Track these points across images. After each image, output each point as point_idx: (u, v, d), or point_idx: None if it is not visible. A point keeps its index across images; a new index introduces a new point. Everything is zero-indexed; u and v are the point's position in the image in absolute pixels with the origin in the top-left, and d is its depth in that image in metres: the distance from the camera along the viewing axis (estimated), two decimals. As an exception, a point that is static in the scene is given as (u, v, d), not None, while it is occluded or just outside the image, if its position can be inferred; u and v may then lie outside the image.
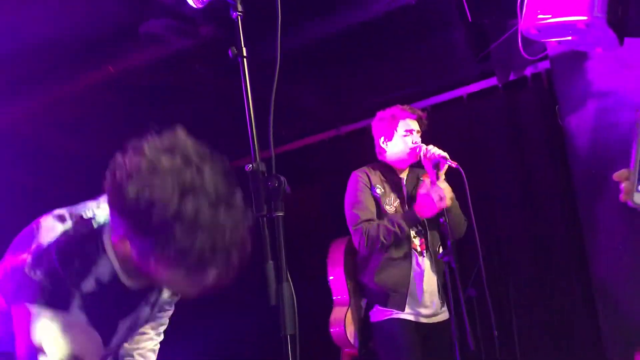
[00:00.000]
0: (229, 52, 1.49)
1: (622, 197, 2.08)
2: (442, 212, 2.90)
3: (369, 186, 3.07)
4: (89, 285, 1.40)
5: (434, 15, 3.75)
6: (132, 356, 1.75)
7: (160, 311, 1.72)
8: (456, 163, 2.89)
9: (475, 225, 2.79)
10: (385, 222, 2.94)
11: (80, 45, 3.48)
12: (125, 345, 1.72)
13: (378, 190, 3.06)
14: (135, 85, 3.85)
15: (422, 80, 4.29)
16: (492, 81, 4.10)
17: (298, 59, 3.79)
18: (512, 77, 4.02)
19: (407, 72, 4.27)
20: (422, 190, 2.93)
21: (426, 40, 4.02)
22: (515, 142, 4.02)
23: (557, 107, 3.52)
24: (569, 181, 3.57)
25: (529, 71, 3.96)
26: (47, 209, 1.48)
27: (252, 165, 1.42)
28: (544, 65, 3.84)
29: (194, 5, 1.58)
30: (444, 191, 2.88)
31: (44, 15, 3.24)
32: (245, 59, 1.48)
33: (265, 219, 1.39)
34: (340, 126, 4.75)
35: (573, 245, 3.64)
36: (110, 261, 1.43)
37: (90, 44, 3.46)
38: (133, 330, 1.66)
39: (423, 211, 2.92)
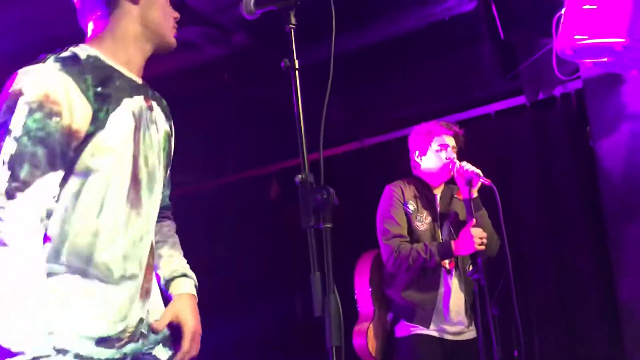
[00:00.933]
0: (282, 64, 1.50)
1: None
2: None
3: (402, 201, 3.07)
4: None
5: (463, 31, 3.76)
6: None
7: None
8: (489, 181, 2.88)
9: (507, 244, 2.77)
10: (420, 247, 2.94)
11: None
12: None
13: (410, 206, 3.06)
14: (166, 91, 3.88)
15: (449, 96, 4.30)
16: (521, 99, 4.09)
17: (326, 70, 3.81)
18: (540, 96, 4.01)
19: (435, 88, 4.28)
20: (465, 230, 2.91)
21: (455, 55, 4.03)
22: (542, 161, 4.01)
23: (588, 128, 3.51)
24: (595, 202, 3.54)
25: (558, 91, 3.95)
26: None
27: (301, 177, 1.43)
28: (574, 85, 3.83)
29: (247, 16, 1.60)
30: (483, 234, 2.88)
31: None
32: (297, 72, 1.49)
33: (312, 230, 1.39)
34: (364, 139, 4.75)
35: (598, 267, 3.61)
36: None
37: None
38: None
39: (460, 248, 2.91)
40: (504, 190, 3.74)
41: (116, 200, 1.47)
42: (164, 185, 1.69)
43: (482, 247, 2.86)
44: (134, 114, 1.52)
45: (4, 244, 1.29)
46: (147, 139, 1.57)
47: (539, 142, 4.04)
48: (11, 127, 1.33)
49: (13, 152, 1.32)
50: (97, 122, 1.42)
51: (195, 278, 1.76)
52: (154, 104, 1.63)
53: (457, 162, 2.99)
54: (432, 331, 2.96)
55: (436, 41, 3.87)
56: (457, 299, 2.99)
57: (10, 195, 1.31)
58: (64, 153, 1.38)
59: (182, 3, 1.65)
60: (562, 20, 2.90)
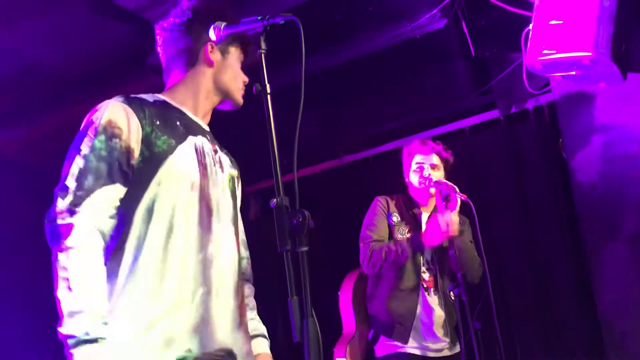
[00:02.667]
0: (253, 89, 1.51)
1: None
2: (452, 245, 2.91)
3: (386, 212, 3.12)
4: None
5: (435, 48, 3.81)
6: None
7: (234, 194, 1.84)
8: (465, 196, 2.91)
9: (485, 259, 2.79)
10: (391, 243, 2.99)
11: (87, 73, 3.51)
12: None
13: (394, 218, 3.11)
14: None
15: (424, 112, 4.34)
16: (494, 113, 4.15)
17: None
18: (513, 109, 4.07)
19: (410, 104, 4.32)
20: (431, 219, 2.96)
21: (428, 72, 4.08)
22: (517, 174, 4.05)
23: (560, 140, 3.56)
24: (571, 214, 3.59)
25: (530, 104, 4.01)
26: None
27: (277, 200, 1.43)
28: (546, 98, 3.89)
29: (214, 39, 1.61)
30: (452, 221, 2.89)
31: (52, 40, 3.29)
32: (269, 96, 1.50)
33: (289, 253, 1.39)
34: (343, 156, 4.77)
35: (577, 279, 3.65)
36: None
37: (98, 72, 3.49)
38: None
39: (428, 237, 2.94)
40: (480, 204, 3.76)
41: (186, 223, 1.63)
42: (240, 241, 1.86)
43: (451, 232, 2.88)
44: (197, 150, 1.72)
45: (71, 247, 1.47)
46: (212, 174, 1.74)
47: (513, 155, 4.09)
48: (81, 147, 1.59)
49: (81, 167, 1.56)
50: (154, 147, 1.62)
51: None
52: (218, 148, 1.84)
53: (433, 180, 3.02)
54: (413, 349, 2.96)
55: (409, 58, 3.91)
56: (437, 316, 3.00)
57: (76, 202, 1.52)
58: (122, 169, 1.59)
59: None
60: (530, 36, 2.95)
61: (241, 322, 1.70)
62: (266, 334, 1.90)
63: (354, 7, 3.45)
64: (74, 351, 1.40)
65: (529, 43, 2.98)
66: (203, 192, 1.69)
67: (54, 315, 1.48)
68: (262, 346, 1.86)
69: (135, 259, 1.56)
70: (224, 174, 1.81)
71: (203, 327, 1.60)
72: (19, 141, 3.96)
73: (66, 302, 1.43)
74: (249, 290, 1.92)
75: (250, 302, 1.91)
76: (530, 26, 2.99)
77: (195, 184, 1.68)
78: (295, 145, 1.47)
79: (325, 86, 4.18)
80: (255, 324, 1.88)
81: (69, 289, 1.43)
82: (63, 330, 1.42)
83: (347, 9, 3.46)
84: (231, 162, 1.91)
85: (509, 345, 3.73)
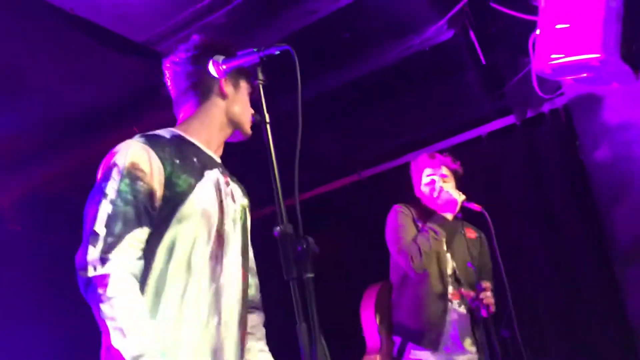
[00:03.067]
0: (252, 119, 1.54)
1: None
2: (472, 257, 2.91)
3: (411, 217, 3.13)
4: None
5: (446, 59, 3.81)
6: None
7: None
8: (480, 207, 2.90)
9: (502, 266, 2.77)
10: (418, 235, 3.01)
11: (103, 110, 3.59)
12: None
13: (420, 224, 3.11)
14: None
15: (439, 122, 4.33)
16: (511, 119, 4.11)
17: (316, 107, 3.87)
18: (529, 114, 4.03)
19: (424, 115, 4.32)
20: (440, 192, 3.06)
21: (441, 83, 4.08)
22: (536, 178, 4.00)
23: (577, 142, 3.52)
24: (592, 214, 3.54)
25: (546, 107, 3.96)
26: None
27: (280, 228, 1.45)
28: (562, 100, 3.84)
29: (216, 76, 1.65)
30: (450, 191, 3.01)
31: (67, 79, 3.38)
32: (268, 125, 1.53)
33: (295, 281, 1.41)
34: (361, 171, 4.78)
35: (603, 281, 3.58)
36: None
37: (113, 107, 3.57)
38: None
39: (444, 207, 3.01)
40: (500, 210, 3.74)
41: (203, 259, 1.67)
42: (249, 269, 1.90)
43: (461, 196, 2.97)
44: (215, 185, 1.77)
45: (113, 297, 1.49)
46: (225, 207, 1.78)
47: (532, 160, 4.04)
48: (107, 191, 1.60)
49: (109, 212, 1.57)
50: (174, 187, 1.66)
51: None
52: (230, 180, 1.88)
53: (444, 189, 3.03)
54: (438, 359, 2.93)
55: (421, 71, 3.92)
56: (462, 327, 2.98)
57: (107, 250, 1.53)
58: (147, 211, 1.62)
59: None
60: (537, 41, 2.94)
61: (242, 352, 1.73)
62: None
63: (361, 24, 3.48)
64: None
65: (536, 48, 2.97)
66: (218, 226, 1.73)
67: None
68: None
69: (157, 295, 1.60)
70: (236, 204, 1.85)
71: (216, 356, 1.64)
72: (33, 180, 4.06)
73: (126, 349, 1.46)
74: (258, 318, 1.94)
75: (259, 331, 1.93)
76: (537, 31, 2.98)
77: (213, 220, 1.72)
78: (296, 170, 1.48)
79: (338, 103, 4.21)
80: (264, 357, 1.89)
81: (125, 337, 1.46)
82: None
83: (354, 26, 3.49)
84: (242, 191, 1.94)
85: (537, 355, 3.67)
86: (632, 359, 3.29)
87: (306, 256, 1.42)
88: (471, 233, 3.14)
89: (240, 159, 2.08)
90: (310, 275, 1.41)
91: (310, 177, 4.72)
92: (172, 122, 1.92)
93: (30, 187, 4.06)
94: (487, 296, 2.87)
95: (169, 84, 1.93)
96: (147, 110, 3.42)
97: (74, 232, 1.69)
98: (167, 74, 1.92)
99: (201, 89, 1.84)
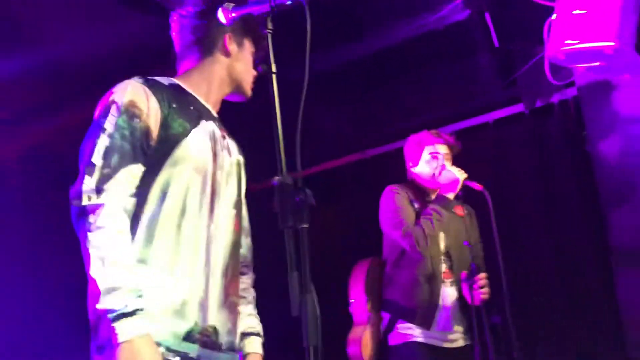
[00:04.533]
0: (259, 69, 1.53)
1: None
2: (467, 235, 2.90)
3: (407, 198, 3.11)
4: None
5: (460, 40, 3.78)
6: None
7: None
8: (481, 186, 2.90)
9: (499, 249, 2.77)
10: (421, 218, 2.99)
11: (116, 67, 3.58)
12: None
13: (416, 205, 3.10)
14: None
15: (448, 105, 4.31)
16: (519, 107, 4.09)
17: (325, 82, 3.85)
18: (538, 103, 4.01)
19: (433, 97, 4.30)
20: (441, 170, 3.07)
21: (452, 65, 4.05)
22: (541, 168, 4.00)
23: (584, 133, 3.50)
24: (595, 207, 3.53)
25: (555, 98, 3.94)
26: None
27: (279, 178, 1.44)
28: (571, 92, 3.82)
29: (224, 22, 1.64)
30: (452, 170, 3.02)
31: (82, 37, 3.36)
32: (275, 75, 1.52)
33: (290, 230, 1.41)
34: (366, 149, 4.77)
35: (600, 272, 3.58)
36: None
37: (124, 66, 3.56)
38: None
39: (446, 187, 3.01)
40: (504, 197, 3.75)
41: (196, 205, 1.69)
42: (242, 228, 1.89)
43: (462, 174, 2.98)
44: (210, 135, 1.77)
45: (102, 227, 1.50)
46: (220, 159, 1.79)
47: (538, 149, 4.03)
48: (105, 126, 1.62)
49: (107, 145, 1.60)
50: (170, 129, 1.67)
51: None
52: (226, 134, 1.88)
53: (446, 167, 3.03)
54: (426, 339, 2.94)
55: (433, 51, 3.90)
56: (453, 307, 2.99)
57: (103, 180, 1.55)
58: (143, 149, 1.63)
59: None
60: (552, 26, 2.91)
61: (225, 300, 1.72)
62: (261, 332, 1.92)
63: (375, -1, 3.45)
64: (116, 324, 1.44)
65: (551, 33, 2.94)
66: (212, 175, 1.74)
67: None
68: (254, 345, 1.87)
69: (150, 236, 1.61)
70: (232, 158, 1.86)
71: (204, 302, 1.66)
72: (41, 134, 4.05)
73: (103, 279, 1.47)
74: (248, 280, 1.94)
75: (250, 294, 1.93)
76: (553, 16, 2.96)
77: (206, 167, 1.73)
78: (299, 125, 1.47)
79: (348, 79, 4.19)
80: (251, 321, 1.90)
81: (104, 266, 1.47)
82: (101, 305, 1.46)
83: (368, 1, 3.46)
84: (237, 147, 1.94)
85: (529, 341, 3.68)
86: (619, 350, 3.30)
87: (303, 207, 1.41)
88: (460, 210, 3.11)
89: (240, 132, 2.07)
90: (306, 225, 1.41)
91: (316, 153, 4.73)
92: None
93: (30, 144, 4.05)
94: (482, 285, 2.86)
95: (174, 37, 1.92)
96: (157, 68, 3.42)
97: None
98: (174, 27, 1.91)
99: (205, 43, 1.85)
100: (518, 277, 3.75)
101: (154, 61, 3.48)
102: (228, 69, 1.86)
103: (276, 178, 1.46)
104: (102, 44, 3.42)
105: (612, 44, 2.72)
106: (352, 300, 3.22)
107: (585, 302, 3.69)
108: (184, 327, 1.60)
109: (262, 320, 1.94)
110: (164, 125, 1.66)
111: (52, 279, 3.59)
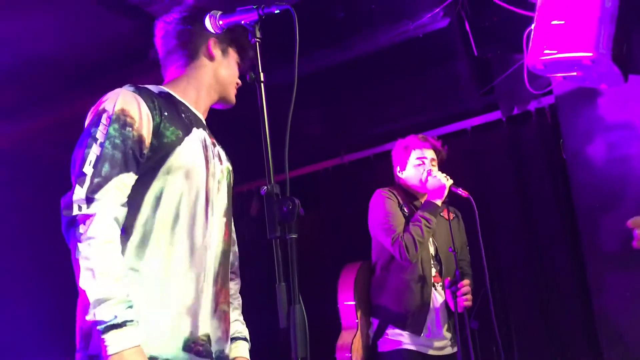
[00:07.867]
0: (247, 77, 1.52)
1: (635, 243, 2.11)
2: (452, 241, 2.92)
3: (397, 202, 3.09)
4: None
5: (438, 47, 3.81)
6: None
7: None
8: (466, 192, 2.92)
9: (484, 255, 2.78)
10: (410, 225, 2.97)
11: (91, 66, 3.53)
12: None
13: (405, 210, 3.08)
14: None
15: (426, 112, 4.34)
16: (496, 114, 4.14)
17: (304, 87, 3.83)
18: (515, 111, 4.06)
19: (412, 104, 4.32)
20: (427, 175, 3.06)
21: (431, 72, 4.08)
22: (518, 175, 4.05)
23: (561, 141, 3.56)
24: (571, 213, 3.58)
25: (532, 106, 4.00)
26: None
27: (267, 188, 1.44)
28: (548, 100, 3.89)
29: (212, 31, 1.62)
30: (437, 177, 3.01)
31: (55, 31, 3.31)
32: (262, 84, 1.51)
33: (278, 240, 1.40)
34: (344, 155, 4.78)
35: (575, 277, 3.64)
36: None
37: (101, 65, 3.51)
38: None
39: (433, 194, 3.00)
40: (482, 203, 3.76)
41: (190, 213, 1.68)
42: (232, 234, 1.90)
43: (448, 181, 2.98)
44: (202, 143, 1.77)
45: (92, 237, 1.48)
46: (211, 167, 1.78)
47: (515, 157, 4.08)
48: (96, 135, 1.60)
49: (98, 154, 1.58)
50: (163, 138, 1.66)
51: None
52: (215, 142, 1.88)
53: (432, 173, 3.03)
54: (415, 346, 2.93)
55: (412, 58, 3.91)
56: (442, 312, 2.99)
57: (94, 190, 1.53)
58: (135, 158, 1.61)
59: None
60: (532, 36, 2.94)
61: (216, 309, 1.72)
62: (248, 337, 1.91)
63: (357, 5, 3.46)
64: (105, 336, 1.42)
65: (530, 43, 2.97)
66: (205, 183, 1.74)
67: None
68: (240, 349, 1.87)
69: (143, 244, 1.60)
70: (222, 166, 1.85)
71: (196, 310, 1.64)
72: (18, 133, 3.98)
73: (92, 290, 1.45)
74: (235, 286, 1.94)
75: (236, 300, 1.93)
76: (533, 26, 2.99)
77: (199, 175, 1.72)
78: (287, 133, 1.47)
79: (327, 84, 4.19)
80: (238, 326, 1.89)
81: (94, 278, 1.45)
82: (90, 317, 1.44)
83: (349, 6, 3.47)
84: (226, 155, 1.94)
85: (508, 346, 3.72)
86: (594, 349, 3.35)
87: (291, 217, 1.41)
88: (446, 213, 3.10)
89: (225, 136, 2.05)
90: (294, 235, 1.40)
91: (293, 157, 4.70)
92: (159, 84, 1.89)
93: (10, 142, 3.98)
94: (465, 292, 2.86)
95: (158, 43, 1.91)
96: (135, 71, 3.38)
97: (57, 189, 1.65)
98: (158, 33, 1.90)
99: (190, 48, 1.84)
100: (494, 281, 3.80)
101: (135, 63, 3.47)
102: (214, 73, 1.87)
103: (264, 188, 1.45)
104: (81, 43, 3.38)
105: (589, 54, 2.75)
106: (341, 302, 3.18)
107: (560, 306, 3.75)
108: (181, 337, 1.59)
109: (250, 331, 1.94)
110: (157, 133, 1.65)
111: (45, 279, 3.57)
